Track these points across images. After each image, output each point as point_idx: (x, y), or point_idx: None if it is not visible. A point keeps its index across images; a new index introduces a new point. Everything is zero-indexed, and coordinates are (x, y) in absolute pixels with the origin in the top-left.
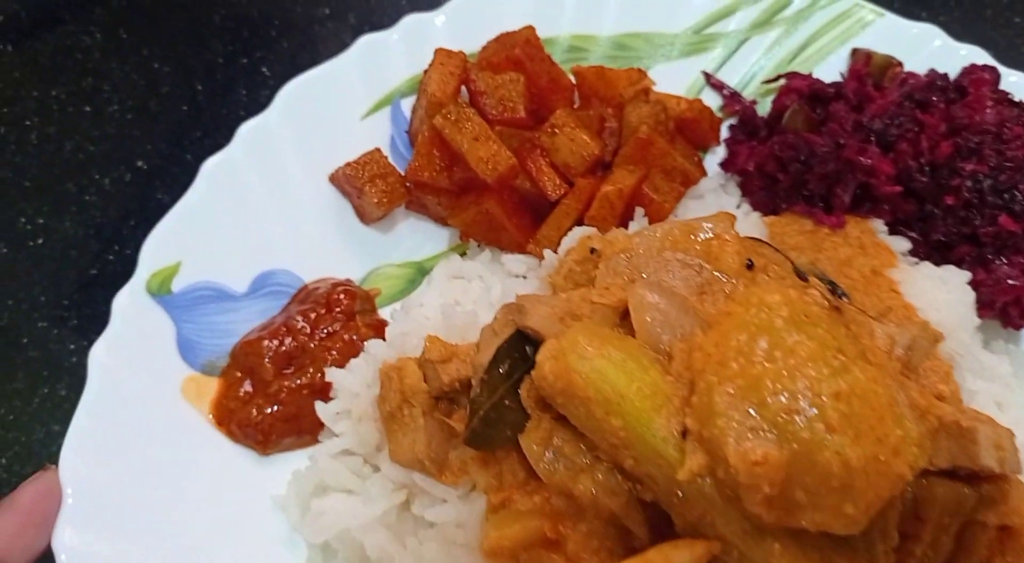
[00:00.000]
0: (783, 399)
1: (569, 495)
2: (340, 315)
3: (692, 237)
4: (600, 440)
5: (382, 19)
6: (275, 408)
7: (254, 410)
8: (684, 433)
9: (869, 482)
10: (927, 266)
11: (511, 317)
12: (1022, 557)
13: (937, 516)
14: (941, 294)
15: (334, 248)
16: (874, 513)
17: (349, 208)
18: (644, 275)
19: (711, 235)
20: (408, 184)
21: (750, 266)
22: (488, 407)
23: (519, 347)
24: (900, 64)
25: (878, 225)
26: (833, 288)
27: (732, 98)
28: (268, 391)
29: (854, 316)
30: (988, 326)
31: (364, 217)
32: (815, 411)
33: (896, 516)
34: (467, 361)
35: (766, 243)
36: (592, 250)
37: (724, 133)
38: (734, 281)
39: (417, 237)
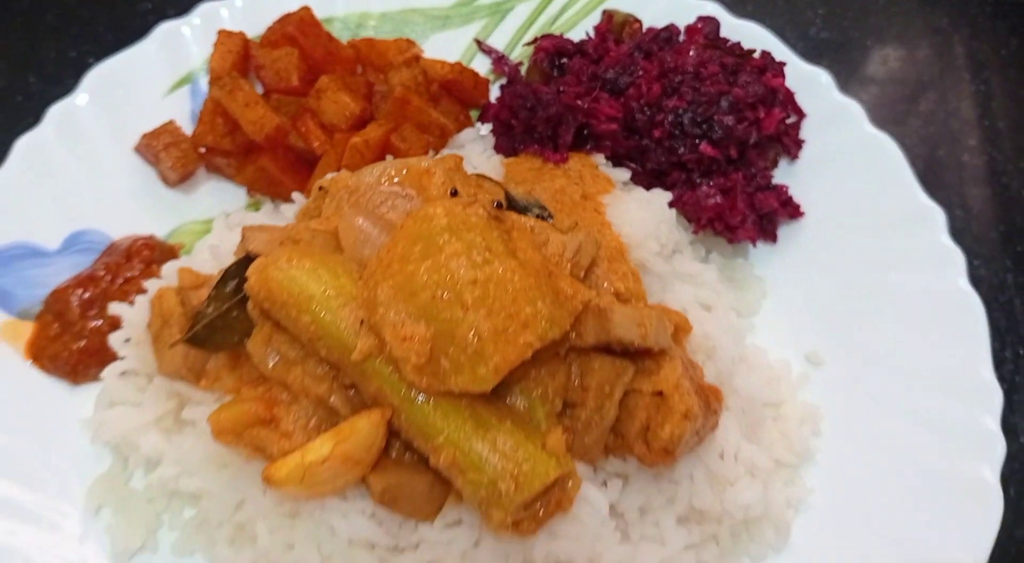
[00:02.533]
0: (429, 289)
1: (285, 384)
2: (140, 264)
3: (405, 172)
4: (300, 335)
5: None
6: (81, 343)
7: (62, 346)
8: (362, 323)
9: (497, 348)
10: (638, 191)
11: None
12: (670, 415)
13: (597, 385)
14: (639, 213)
15: (140, 209)
16: (504, 373)
17: (154, 174)
18: (361, 204)
19: (422, 168)
20: (200, 149)
21: (454, 193)
22: (213, 317)
23: (246, 268)
24: (639, 21)
25: (599, 159)
26: (542, 209)
27: (499, 61)
28: (74, 330)
29: (524, 227)
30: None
31: (167, 181)
32: (453, 296)
33: (557, 385)
34: None
35: (488, 179)
36: (320, 187)
37: (497, 92)
38: None
39: (217, 196)
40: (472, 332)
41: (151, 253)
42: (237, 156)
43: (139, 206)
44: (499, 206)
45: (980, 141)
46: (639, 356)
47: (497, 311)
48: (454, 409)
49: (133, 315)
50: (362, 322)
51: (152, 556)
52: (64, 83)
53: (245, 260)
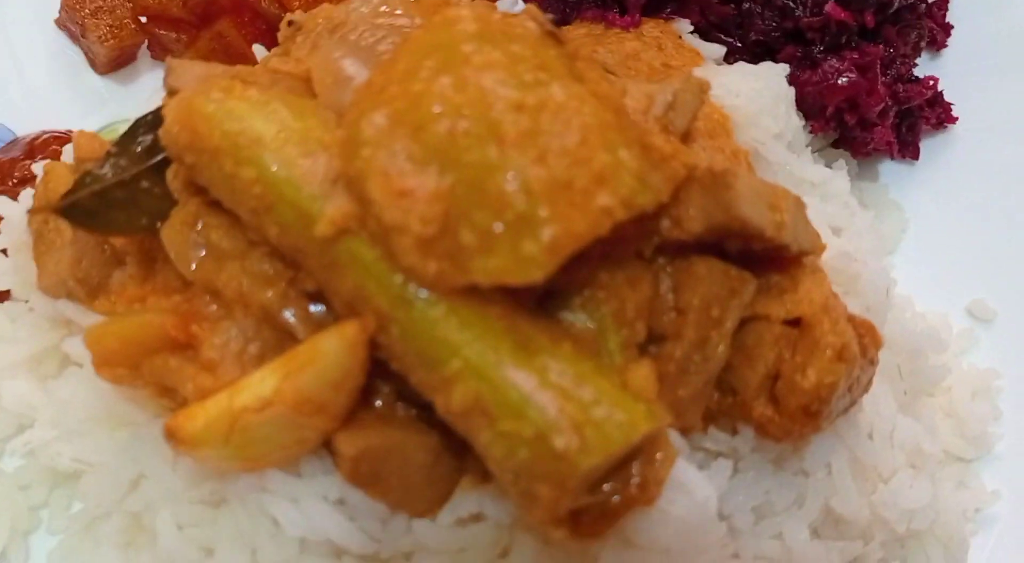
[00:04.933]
0: (446, 118)
1: (214, 290)
2: (43, 161)
3: (417, 4)
4: (239, 206)
5: None
6: None
7: None
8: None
9: (556, 212)
10: (742, 65)
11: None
12: (816, 354)
13: (701, 304)
14: (749, 84)
15: (61, 101)
16: (565, 255)
17: (80, 57)
18: (349, 40)
19: None
20: (141, 19)
21: None
22: (111, 184)
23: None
24: None
25: (684, 26)
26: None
27: None
28: None
29: (593, 58)
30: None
31: (96, 64)
32: (484, 129)
33: (640, 301)
34: None
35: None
36: (290, 23)
37: None
38: None
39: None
40: (514, 184)
41: (59, 148)
42: (188, 28)
43: (59, 97)
44: (559, 23)
45: None
46: (763, 265)
47: (557, 154)
48: (479, 319)
49: (13, 211)
50: (336, 180)
51: None
52: None
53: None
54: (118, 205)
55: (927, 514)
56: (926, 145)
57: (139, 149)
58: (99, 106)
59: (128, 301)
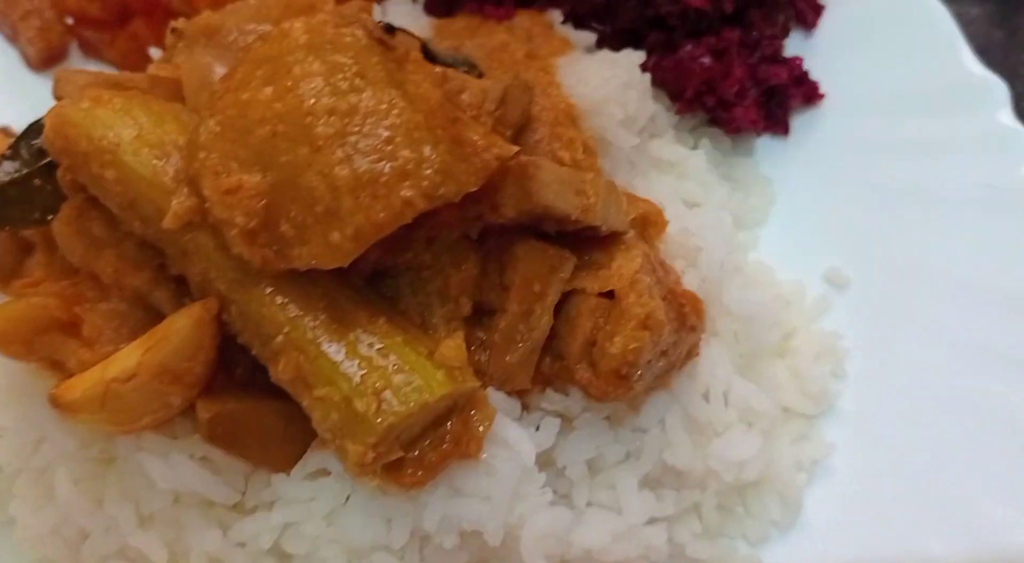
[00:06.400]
0: (268, 123)
1: (94, 275)
2: None
3: (288, 8)
4: (108, 201)
5: None
6: None
7: None
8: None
9: (360, 205)
10: (604, 53)
11: None
12: (622, 323)
13: (523, 281)
14: (599, 72)
15: None
16: (367, 241)
17: (16, 56)
18: (222, 46)
19: (306, 2)
20: (68, 21)
21: None
22: (5, 183)
23: None
24: None
25: (556, 17)
26: (470, 67)
27: None
28: None
29: (423, 62)
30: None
31: (30, 61)
32: (299, 131)
33: (464, 279)
34: None
35: (403, 31)
36: (173, 30)
37: None
38: None
39: None
40: (323, 181)
41: None
42: (110, 28)
43: None
44: (390, 30)
45: None
46: (584, 245)
47: (363, 153)
48: (302, 298)
49: None
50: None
51: None
52: None
53: None
54: (11, 202)
55: (755, 466)
56: (798, 121)
57: (29, 153)
58: (34, 102)
59: (27, 285)
